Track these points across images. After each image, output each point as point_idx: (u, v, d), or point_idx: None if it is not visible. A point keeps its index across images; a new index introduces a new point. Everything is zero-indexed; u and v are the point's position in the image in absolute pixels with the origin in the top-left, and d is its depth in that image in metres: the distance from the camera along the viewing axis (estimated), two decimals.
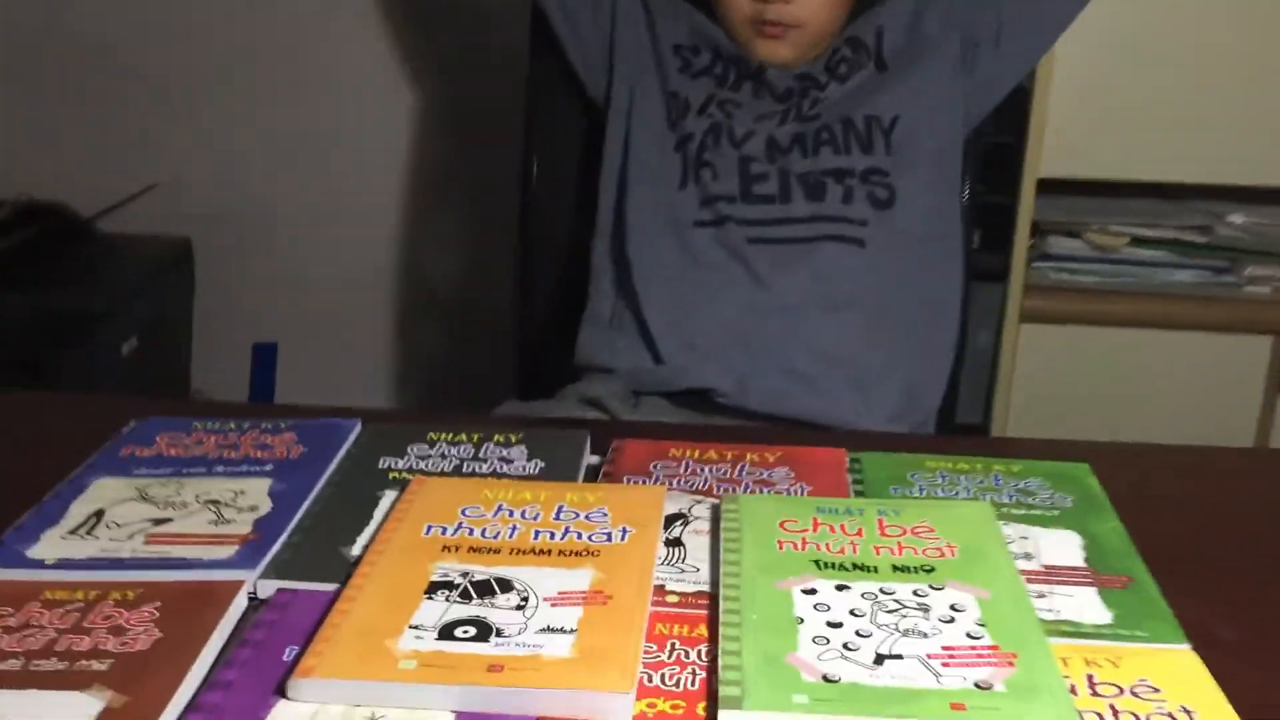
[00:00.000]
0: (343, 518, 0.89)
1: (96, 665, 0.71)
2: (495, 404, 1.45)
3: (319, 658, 0.70)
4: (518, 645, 0.71)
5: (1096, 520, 0.90)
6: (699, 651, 0.73)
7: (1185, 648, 0.74)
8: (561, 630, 0.72)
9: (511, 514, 0.86)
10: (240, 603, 0.79)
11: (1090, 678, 0.70)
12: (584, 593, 0.76)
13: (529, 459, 0.99)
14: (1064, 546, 0.86)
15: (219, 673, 0.71)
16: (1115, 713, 0.67)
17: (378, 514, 0.89)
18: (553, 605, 0.75)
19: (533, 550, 0.82)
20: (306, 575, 0.81)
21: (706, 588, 0.80)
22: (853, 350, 1.26)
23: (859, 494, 0.93)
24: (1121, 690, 0.69)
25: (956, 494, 0.93)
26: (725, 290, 1.25)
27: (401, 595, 0.76)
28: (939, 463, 0.99)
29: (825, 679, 0.68)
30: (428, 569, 0.79)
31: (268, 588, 0.81)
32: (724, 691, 0.67)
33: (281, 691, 0.69)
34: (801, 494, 0.93)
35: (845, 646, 0.71)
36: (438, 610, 0.75)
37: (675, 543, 0.86)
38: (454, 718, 0.67)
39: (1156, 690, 0.69)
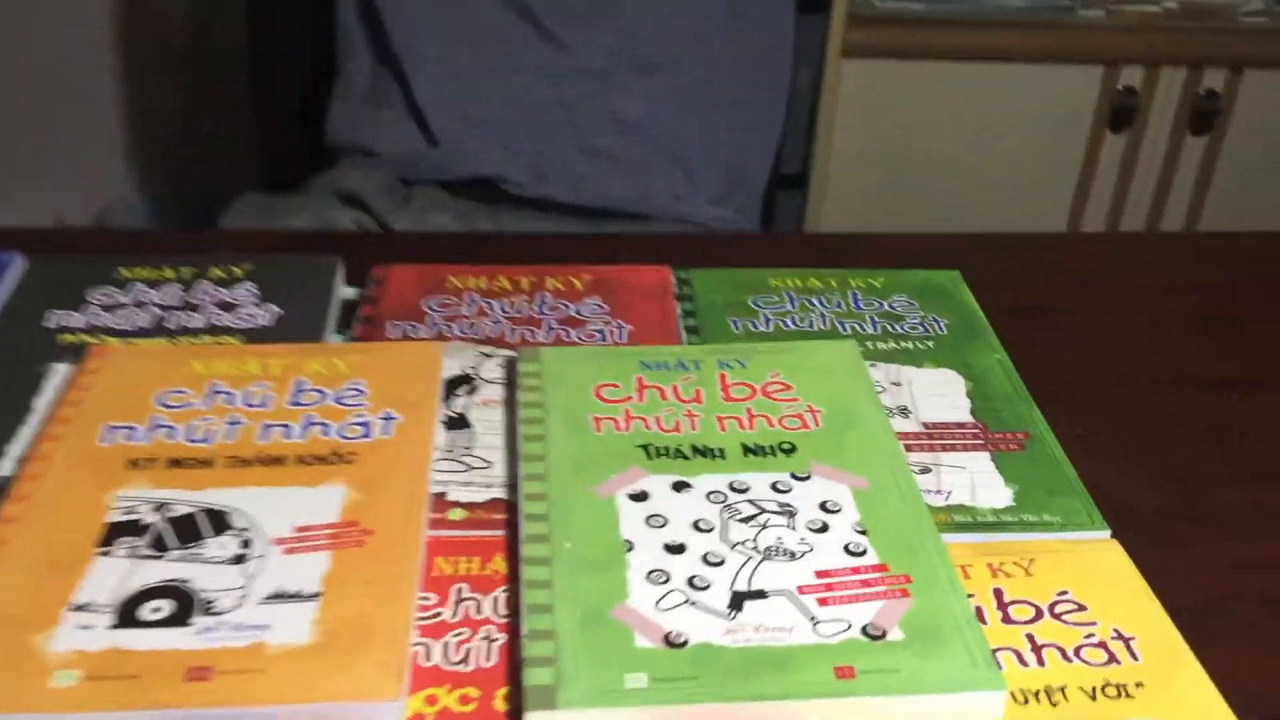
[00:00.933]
0: None
1: None
2: (243, 182, 1.18)
3: None
4: (234, 630, 0.49)
5: (978, 351, 0.73)
6: (496, 601, 0.54)
7: (1104, 536, 0.59)
8: (298, 596, 0.51)
9: (231, 399, 0.63)
10: None
11: (999, 595, 0.55)
12: (333, 527, 0.55)
13: (260, 303, 0.74)
14: (945, 393, 0.69)
15: None
16: (1037, 648, 0.52)
17: (40, 405, 0.65)
18: (287, 551, 0.54)
19: (260, 459, 0.59)
20: None
21: (503, 493, 0.60)
22: (668, 119, 1.04)
23: (691, 331, 0.74)
24: (1039, 612, 0.54)
25: (810, 324, 0.75)
26: (510, 53, 0.99)
27: (65, 549, 0.53)
28: (785, 279, 0.79)
29: (668, 641, 0.50)
30: (105, 501, 0.56)
31: None
32: (530, 679, 0.48)
33: None
34: (620, 337, 0.73)
35: (692, 584, 0.53)
36: (117, 573, 0.52)
37: (459, 422, 0.65)
38: None
39: (1081, 608, 0.54)
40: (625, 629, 0.51)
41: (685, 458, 0.61)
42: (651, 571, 0.54)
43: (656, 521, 0.56)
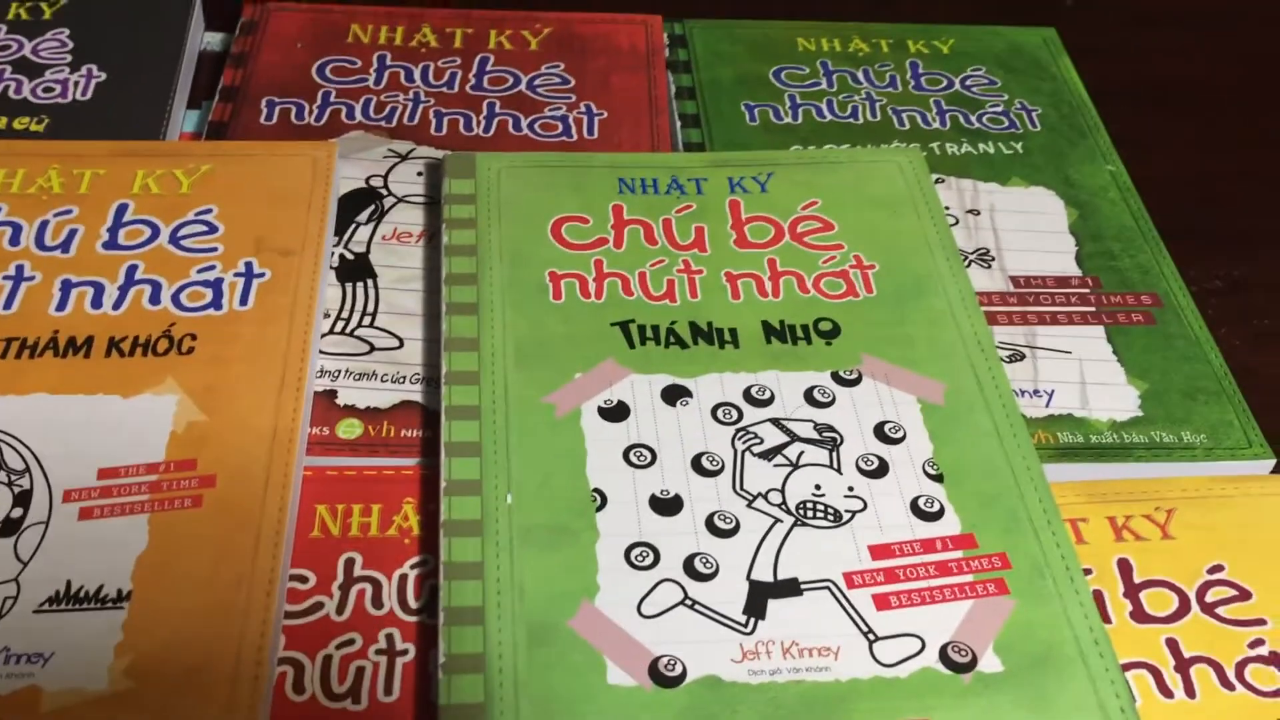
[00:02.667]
0: None
1: None
2: None
3: None
4: None
5: (1084, 159, 0.53)
6: (404, 584, 0.37)
7: (1269, 467, 0.42)
8: (96, 600, 0.34)
9: (16, 235, 0.43)
10: None
11: (1126, 572, 0.39)
12: (156, 471, 0.37)
13: (75, 63, 0.52)
14: (1041, 227, 0.50)
15: None
16: (1183, 663, 0.36)
17: None
18: (84, 515, 0.36)
19: (53, 345, 0.40)
20: None
21: (419, 395, 0.42)
22: None
23: (689, 122, 0.53)
24: (1185, 603, 0.38)
25: (854, 113, 0.54)
26: None
27: None
28: (819, 39, 0.58)
29: (657, 675, 0.34)
30: None
31: None
32: None
33: None
34: (589, 130, 0.52)
35: (691, 568, 0.36)
36: None
37: (357, 268, 0.46)
38: None
39: (1244, 594, 0.38)
40: (592, 652, 0.34)
41: (682, 345, 0.42)
42: (634, 547, 0.36)
43: (640, 457, 0.39)
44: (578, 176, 0.48)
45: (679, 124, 0.53)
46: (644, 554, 0.36)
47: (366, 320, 0.44)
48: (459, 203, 0.46)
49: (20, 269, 0.42)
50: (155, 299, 0.41)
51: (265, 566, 0.35)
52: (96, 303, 0.41)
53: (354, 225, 0.47)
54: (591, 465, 0.38)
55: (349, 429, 0.40)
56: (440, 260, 0.44)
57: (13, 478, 0.36)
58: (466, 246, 0.44)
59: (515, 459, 0.38)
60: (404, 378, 0.42)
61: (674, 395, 0.40)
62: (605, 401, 0.40)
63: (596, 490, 0.38)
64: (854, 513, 0.38)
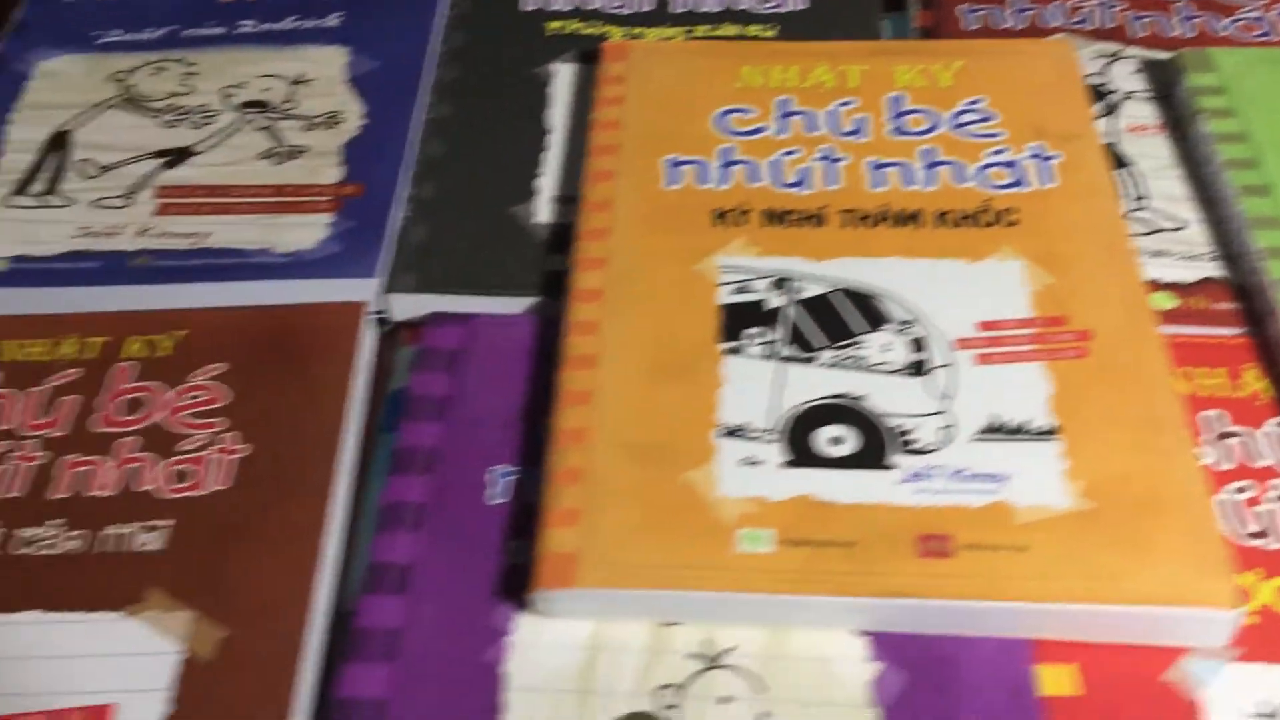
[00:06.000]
0: (494, 130, 0.50)
1: (142, 541, 0.37)
2: None
3: (581, 537, 0.35)
4: (958, 479, 0.36)
5: None
6: (1272, 440, 0.39)
7: None
8: (1025, 433, 0.37)
9: (812, 123, 0.47)
10: (364, 350, 0.43)
11: None
12: (1030, 325, 0.40)
13: None
14: None
15: (377, 544, 0.38)
16: None
17: (555, 123, 0.50)
18: (981, 359, 0.39)
19: (885, 216, 0.44)
20: (466, 284, 0.45)
21: (1213, 271, 0.43)
22: None
23: None
24: None
25: None
26: None
27: (677, 342, 0.40)
28: None
29: None
30: (703, 273, 0.42)
31: (405, 306, 0.45)
32: None
33: (512, 590, 0.36)
34: None
35: None
36: (760, 380, 0.39)
37: (1112, 158, 0.48)
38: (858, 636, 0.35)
39: None
40: None
41: None
42: None
43: None
44: None
45: None
46: None
47: (1143, 203, 0.46)
48: (1205, 94, 0.47)
49: (829, 150, 0.46)
50: (960, 178, 0.44)
51: (1174, 425, 0.37)
52: (908, 180, 0.45)
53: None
54: None
55: (1165, 299, 0.43)
56: (1200, 147, 0.46)
57: (904, 327, 0.40)
58: (1234, 134, 0.46)
59: None
60: (1197, 255, 0.44)
61: None
62: None
63: None
64: None
